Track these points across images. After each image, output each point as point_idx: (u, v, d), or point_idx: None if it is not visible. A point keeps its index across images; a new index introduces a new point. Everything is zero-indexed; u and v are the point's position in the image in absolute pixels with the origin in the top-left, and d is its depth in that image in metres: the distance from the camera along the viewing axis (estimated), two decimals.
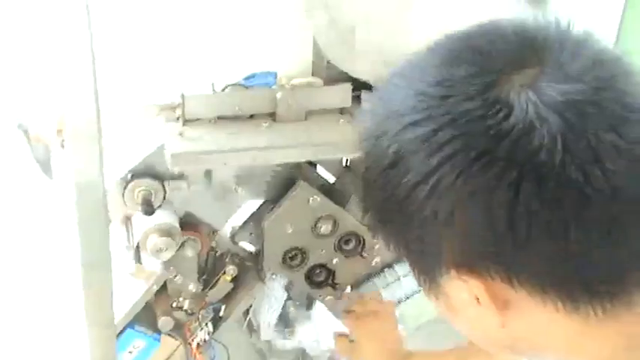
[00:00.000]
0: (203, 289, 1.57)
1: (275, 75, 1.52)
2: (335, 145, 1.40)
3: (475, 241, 0.56)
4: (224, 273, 1.56)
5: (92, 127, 1.33)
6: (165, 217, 1.45)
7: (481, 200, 0.53)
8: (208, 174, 1.48)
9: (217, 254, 1.57)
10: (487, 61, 0.55)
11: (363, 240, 1.56)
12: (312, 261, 1.57)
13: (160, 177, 1.44)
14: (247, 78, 1.52)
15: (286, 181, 1.51)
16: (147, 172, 1.45)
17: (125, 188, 1.44)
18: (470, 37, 0.59)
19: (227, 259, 1.57)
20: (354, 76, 1.51)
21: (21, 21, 1.63)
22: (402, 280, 1.63)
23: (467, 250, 0.57)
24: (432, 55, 0.60)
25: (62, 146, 1.52)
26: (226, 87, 1.43)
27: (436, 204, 0.55)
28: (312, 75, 1.60)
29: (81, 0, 1.23)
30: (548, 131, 0.51)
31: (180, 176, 1.43)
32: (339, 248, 1.57)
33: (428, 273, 0.63)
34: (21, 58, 1.72)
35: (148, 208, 1.43)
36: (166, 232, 1.42)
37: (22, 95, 1.66)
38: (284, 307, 1.75)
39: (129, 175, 1.46)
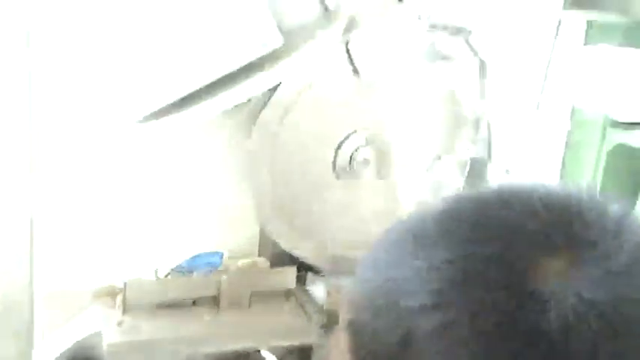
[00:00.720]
0: None
1: (221, 255, 1.52)
2: (279, 333, 1.38)
3: None
4: None
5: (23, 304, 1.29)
6: None
7: None
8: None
9: None
10: (511, 240, 0.47)
11: None
12: None
13: None
14: (193, 258, 1.51)
15: None
16: (83, 357, 1.39)
17: None
18: (487, 205, 0.50)
19: None
20: (298, 257, 1.52)
21: None
22: None
23: None
24: (438, 221, 0.51)
25: None
26: (169, 273, 1.41)
27: None
28: (259, 253, 1.62)
29: (22, 164, 1.24)
30: (589, 332, 0.44)
31: None
32: None
33: None
34: None
35: None
36: None
37: None
38: None
39: None
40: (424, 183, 1.49)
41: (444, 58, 1.45)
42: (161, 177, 1.50)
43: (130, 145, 1.43)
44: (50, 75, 1.36)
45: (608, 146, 2.15)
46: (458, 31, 1.46)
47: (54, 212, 1.44)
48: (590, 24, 2.06)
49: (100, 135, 1.37)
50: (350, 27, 1.41)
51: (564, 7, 1.96)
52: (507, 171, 1.51)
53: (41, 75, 1.35)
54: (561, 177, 2.06)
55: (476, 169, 1.47)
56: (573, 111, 2.09)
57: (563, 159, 2.05)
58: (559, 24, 1.98)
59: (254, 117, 1.45)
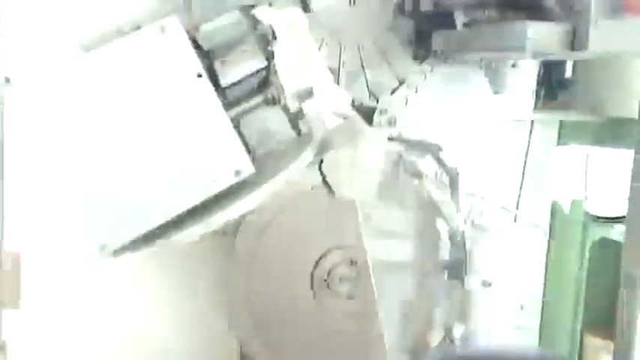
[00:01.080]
0: None
1: None
2: None
3: None
4: None
5: None
6: None
7: None
8: None
9: None
10: None
11: None
12: None
13: None
14: None
15: None
16: None
17: None
18: None
19: None
20: None
21: None
22: None
23: None
24: None
25: None
26: None
27: None
28: None
29: None
30: None
31: None
32: None
33: None
34: None
35: None
36: None
37: None
38: None
39: None
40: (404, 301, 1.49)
41: (416, 174, 1.48)
42: (136, 300, 1.49)
43: (99, 274, 1.43)
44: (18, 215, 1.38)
45: (590, 242, 2.16)
46: (428, 147, 1.50)
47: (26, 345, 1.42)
48: (561, 124, 2.11)
49: (73, 268, 1.37)
50: (323, 149, 1.44)
51: (535, 110, 2.01)
52: (485, 282, 1.51)
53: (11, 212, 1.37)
54: (545, 278, 2.05)
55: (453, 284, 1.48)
56: (554, 211, 2.10)
57: (546, 260, 2.05)
58: (532, 126, 2.03)
59: (231, 239, 1.46)
